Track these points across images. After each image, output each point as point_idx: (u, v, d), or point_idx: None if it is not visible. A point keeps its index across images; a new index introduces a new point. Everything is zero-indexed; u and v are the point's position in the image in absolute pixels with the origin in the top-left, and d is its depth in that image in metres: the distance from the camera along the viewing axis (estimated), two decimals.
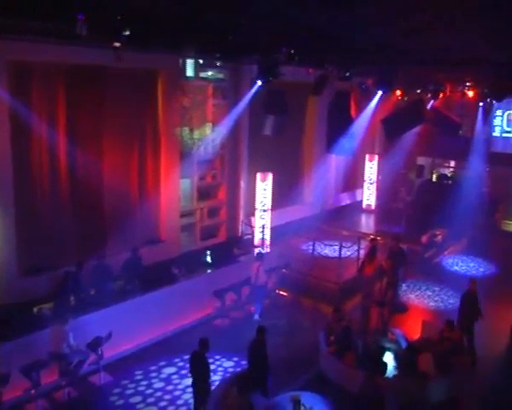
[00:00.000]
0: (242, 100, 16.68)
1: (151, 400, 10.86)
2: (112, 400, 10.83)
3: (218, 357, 12.45)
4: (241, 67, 15.62)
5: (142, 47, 10.51)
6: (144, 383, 11.42)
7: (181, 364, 12.13)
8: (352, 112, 15.69)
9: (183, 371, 11.76)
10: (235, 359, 12.38)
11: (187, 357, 12.08)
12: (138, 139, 15.01)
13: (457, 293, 16.91)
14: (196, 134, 16.86)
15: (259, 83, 12.29)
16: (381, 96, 19.30)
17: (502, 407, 10.71)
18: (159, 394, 11.07)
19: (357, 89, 18.58)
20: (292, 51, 9.88)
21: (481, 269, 19.83)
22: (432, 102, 19.73)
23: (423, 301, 16.69)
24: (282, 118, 15.99)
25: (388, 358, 11.39)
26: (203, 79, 16.96)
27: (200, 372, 9.59)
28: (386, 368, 10.71)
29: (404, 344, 11.95)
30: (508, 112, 24.05)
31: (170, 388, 11.31)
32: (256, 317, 14.53)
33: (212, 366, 11.82)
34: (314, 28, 8.64)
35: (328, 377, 11.32)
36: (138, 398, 10.89)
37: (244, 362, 11.81)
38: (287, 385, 10.70)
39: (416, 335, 13.25)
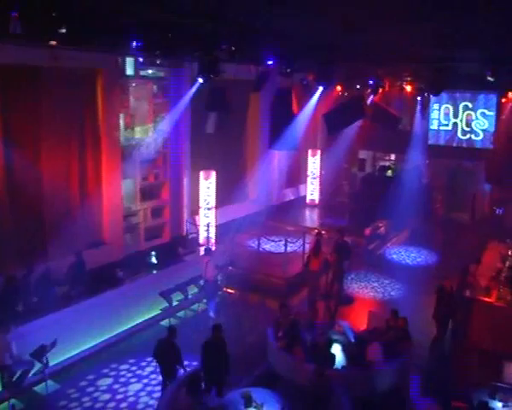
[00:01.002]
0: (184, 98, 16.52)
1: (100, 405, 10.64)
2: (60, 407, 10.54)
3: None
4: (181, 64, 15.46)
5: (80, 45, 10.24)
6: (91, 389, 11.15)
7: (130, 367, 11.96)
8: (294, 108, 15.76)
9: (130, 375, 11.62)
10: (185, 362, 12.22)
11: (132, 361, 12.12)
12: (78, 140, 14.62)
13: (401, 283, 17.42)
14: (138, 134, 16.61)
15: (201, 81, 12.17)
16: (322, 91, 19.56)
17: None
18: (107, 396, 10.87)
19: (299, 85, 18.70)
20: (232, 48, 9.86)
21: (423, 258, 20.35)
22: (371, 97, 20.08)
23: (368, 292, 17.00)
24: (225, 115, 15.96)
25: (336, 350, 11.50)
26: (143, 77, 16.71)
27: (169, 359, 10.05)
28: (334, 360, 10.86)
29: (351, 336, 12.09)
30: (444, 105, 24.74)
31: (121, 390, 11.14)
32: (211, 314, 14.46)
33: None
34: (254, 25, 8.64)
35: (277, 372, 11.34)
36: (89, 403, 10.64)
37: (194, 363, 11.81)
38: (237, 383, 10.67)
39: (362, 325, 13.48)
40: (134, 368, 11.98)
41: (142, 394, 11.07)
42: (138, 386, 11.29)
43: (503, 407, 9.37)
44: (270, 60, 12.29)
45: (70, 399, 10.81)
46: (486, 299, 13.49)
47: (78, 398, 10.84)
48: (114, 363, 12.10)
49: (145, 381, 11.56)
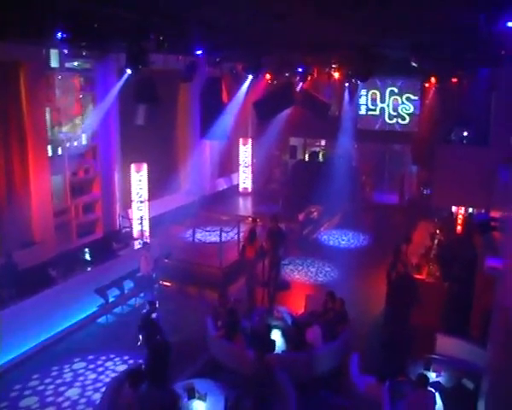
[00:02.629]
0: (112, 90, 16.15)
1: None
2: None
3: (110, 356, 12.10)
4: (108, 56, 15.07)
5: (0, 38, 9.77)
6: (29, 392, 10.79)
7: (71, 366, 11.67)
8: (224, 97, 15.74)
9: (70, 377, 11.33)
10: (126, 357, 12.07)
11: (73, 361, 11.83)
12: (2, 137, 14.04)
13: (335, 266, 17.82)
14: (65, 128, 16.13)
15: (129, 72, 11.93)
16: (252, 80, 19.61)
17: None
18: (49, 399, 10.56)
19: (228, 74, 18.68)
20: (161, 38, 9.72)
21: (355, 241, 20.88)
22: (301, 84, 20.31)
23: (305, 276, 17.27)
24: (154, 106, 15.72)
25: (276, 335, 11.67)
26: (69, 69, 16.19)
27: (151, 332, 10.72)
28: (274, 345, 10.98)
29: (289, 320, 12.28)
30: (371, 91, 25.42)
31: (61, 389, 10.84)
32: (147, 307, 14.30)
33: (100, 368, 11.61)
34: (182, 15, 8.55)
35: (219, 361, 11.39)
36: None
37: (134, 359, 11.68)
38: (179, 374, 10.64)
39: (300, 310, 13.72)
40: (75, 366, 11.69)
41: (83, 397, 10.80)
42: (77, 390, 10.97)
43: (437, 377, 9.78)
44: (199, 50, 12.20)
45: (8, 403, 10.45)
46: (418, 276, 14.01)
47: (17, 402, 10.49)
48: (54, 365, 11.72)
49: (81, 378, 11.28)
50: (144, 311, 11.87)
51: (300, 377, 10.37)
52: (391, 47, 12.37)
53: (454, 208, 18.29)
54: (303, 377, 10.54)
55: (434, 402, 8.91)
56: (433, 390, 9.12)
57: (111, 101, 16.24)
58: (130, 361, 11.85)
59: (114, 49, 12.68)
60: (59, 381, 11.17)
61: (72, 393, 10.75)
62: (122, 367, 11.57)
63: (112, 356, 12.11)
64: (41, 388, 10.91)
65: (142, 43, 9.76)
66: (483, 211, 12.18)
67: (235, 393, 9.25)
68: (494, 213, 10.35)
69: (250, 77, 17.96)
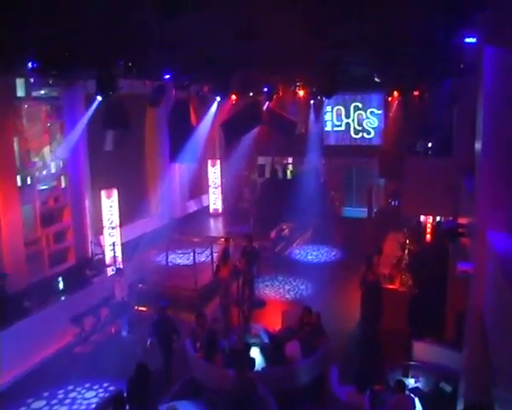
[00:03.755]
0: (80, 117, 16.13)
1: None
2: None
3: (87, 386, 11.96)
4: (75, 83, 15.06)
5: None
6: None
7: (48, 401, 11.47)
8: (193, 120, 15.87)
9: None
10: (106, 384, 11.95)
11: (48, 394, 11.63)
12: None
13: (309, 281, 17.97)
14: (34, 157, 16.01)
15: (99, 98, 11.98)
16: (219, 101, 19.80)
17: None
18: None
19: (195, 97, 18.84)
20: (129, 64, 9.82)
21: (327, 255, 21.10)
22: (267, 103, 20.56)
23: (279, 293, 17.38)
24: (123, 131, 15.76)
25: (255, 353, 11.72)
26: (36, 98, 16.11)
27: (165, 334, 11.76)
28: (254, 363, 11.07)
29: (266, 337, 12.35)
30: (336, 107, 25.89)
31: None
32: (124, 333, 14.21)
33: (79, 399, 11.46)
34: (150, 40, 8.67)
35: (200, 382, 11.37)
36: None
37: (114, 386, 11.58)
38: (160, 397, 10.58)
39: (277, 326, 13.81)
40: (53, 399, 11.51)
41: None
42: None
43: (415, 382, 9.98)
44: (167, 74, 12.33)
45: None
46: (391, 286, 14.27)
47: None
48: (29, 398, 11.51)
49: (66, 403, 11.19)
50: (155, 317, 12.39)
51: (281, 391, 10.41)
52: (354, 63, 12.69)
53: (422, 218, 18.69)
54: (284, 391, 10.58)
55: (414, 407, 9.10)
56: (412, 396, 9.33)
57: (80, 128, 16.18)
58: (111, 388, 11.72)
59: (83, 77, 12.73)
60: None
61: None
62: (103, 395, 11.45)
63: (89, 385, 11.96)
64: None
65: (112, 70, 9.85)
66: (451, 218, 12.51)
67: None
68: (461, 220, 10.67)
69: (218, 98, 18.11)
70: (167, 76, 12.45)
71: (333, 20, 7.67)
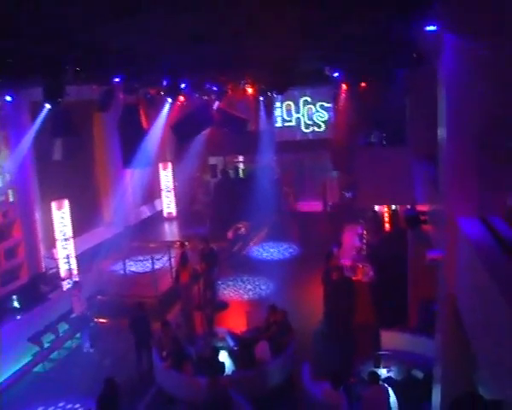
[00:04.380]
0: (25, 127, 15.51)
1: None
2: None
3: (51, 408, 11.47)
4: (17, 92, 14.43)
5: None
6: None
7: None
8: (144, 123, 15.52)
9: None
10: (71, 404, 11.49)
11: None
12: None
13: (269, 279, 17.88)
14: None
15: (48, 106, 11.48)
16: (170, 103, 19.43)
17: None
18: None
19: (144, 100, 18.42)
20: (77, 69, 9.45)
21: (285, 252, 21.07)
22: (217, 103, 20.34)
23: (241, 293, 17.22)
24: (71, 139, 15.27)
25: (223, 357, 11.54)
26: None
27: (143, 331, 12.12)
28: (224, 367, 10.87)
29: (232, 340, 12.19)
30: (286, 103, 25.90)
31: None
32: (86, 347, 13.79)
33: None
34: (98, 43, 8.36)
35: (168, 391, 11.13)
36: None
37: (81, 404, 11.18)
38: None
39: (241, 328, 13.67)
40: None
41: None
42: None
43: (388, 372, 10.02)
44: (117, 77, 11.97)
45: None
46: (353, 278, 14.30)
47: None
48: None
49: None
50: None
51: (253, 394, 10.28)
52: (305, 59, 12.63)
53: (377, 208, 18.85)
54: (256, 393, 10.44)
55: (388, 397, 9.13)
56: (386, 385, 9.35)
57: (27, 139, 15.54)
58: (77, 406, 11.30)
59: (28, 84, 12.19)
60: None
61: None
62: None
63: (54, 408, 11.46)
64: None
65: (59, 76, 9.45)
66: (408, 207, 12.61)
67: None
68: (421, 208, 10.74)
69: (169, 100, 17.73)
70: (117, 79, 12.08)
71: (281, 16, 7.54)
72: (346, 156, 22.67)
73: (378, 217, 18.15)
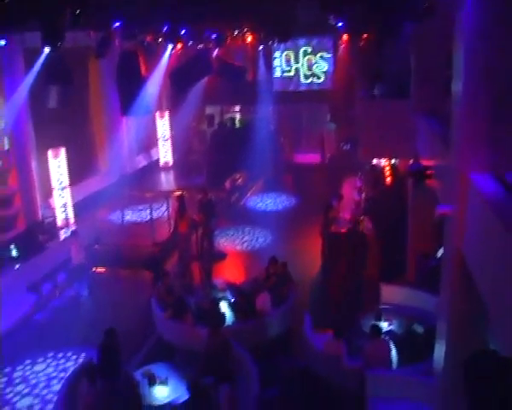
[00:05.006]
0: (19, 74, 15.15)
1: None
2: None
3: (50, 355, 11.48)
4: (10, 37, 14.01)
5: None
6: None
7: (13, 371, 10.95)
8: (143, 70, 15.17)
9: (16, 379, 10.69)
10: (69, 353, 11.52)
11: (12, 366, 11.12)
12: None
13: (267, 230, 17.84)
14: None
15: (47, 50, 11.15)
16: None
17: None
18: None
19: (141, 47, 17.99)
20: (77, 12, 9.12)
21: (283, 203, 20.98)
22: (216, 51, 19.91)
23: (238, 244, 17.17)
24: (67, 86, 14.94)
25: (223, 307, 11.55)
26: None
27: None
28: (224, 318, 10.87)
29: (233, 291, 12.19)
30: (285, 52, 25.32)
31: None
32: (84, 296, 13.82)
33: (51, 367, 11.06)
34: None
35: (169, 342, 11.17)
36: None
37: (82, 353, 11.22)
38: (131, 361, 10.36)
39: (240, 278, 13.71)
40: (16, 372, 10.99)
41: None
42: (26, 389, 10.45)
43: (389, 326, 10.07)
44: (117, 22, 11.61)
45: None
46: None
47: None
48: None
49: (34, 381, 10.67)
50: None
51: (254, 344, 10.29)
52: (308, 7, 12.28)
53: (375, 161, 18.68)
54: (256, 344, 10.47)
55: (390, 350, 9.21)
56: (387, 339, 9.42)
57: (23, 86, 15.18)
58: (78, 357, 11.33)
59: (26, 29, 11.78)
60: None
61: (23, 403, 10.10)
62: (69, 364, 11.05)
63: (54, 355, 11.48)
64: None
65: (59, 19, 9.13)
66: (411, 161, 12.48)
67: (195, 373, 9.08)
68: (426, 162, 10.61)
69: (170, 47, 17.27)
70: (117, 24, 11.72)
71: None
72: (345, 108, 22.45)
73: (377, 171, 18.01)
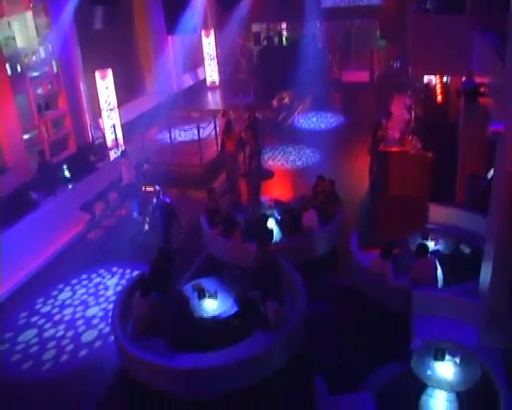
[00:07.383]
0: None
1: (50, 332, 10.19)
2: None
3: (102, 271, 12.02)
4: None
5: None
6: (35, 318, 10.57)
7: (73, 287, 11.48)
8: None
9: (71, 294, 11.25)
10: (119, 269, 11.97)
11: (73, 280, 11.68)
12: None
13: (314, 149, 17.76)
14: (21, 43, 15.12)
15: None
16: None
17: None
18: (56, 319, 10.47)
19: None
20: None
21: (331, 122, 20.71)
22: None
23: (286, 163, 17.16)
24: (111, 6, 14.86)
25: (271, 224, 11.69)
26: None
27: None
28: (272, 234, 11.06)
29: (281, 208, 12.27)
30: None
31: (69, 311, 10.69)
32: (135, 215, 14.20)
33: (107, 281, 11.54)
34: None
35: (218, 257, 11.47)
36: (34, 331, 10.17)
37: (132, 269, 11.67)
38: (181, 276, 10.72)
39: (288, 196, 13.79)
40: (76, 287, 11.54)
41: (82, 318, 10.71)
42: (87, 297, 11.01)
43: (435, 245, 10.06)
44: None
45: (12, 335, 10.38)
46: (401, 149, 14.05)
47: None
48: (45, 293, 11.32)
49: (92, 290, 11.28)
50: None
51: (301, 261, 10.43)
52: None
53: (426, 79, 18.09)
54: (303, 261, 10.62)
55: (436, 269, 9.24)
56: (434, 258, 9.44)
57: (67, 8, 15.16)
58: (127, 272, 11.78)
59: None
60: (59, 302, 10.99)
61: (90, 312, 10.62)
62: (122, 280, 11.52)
63: (104, 271, 11.97)
64: (45, 310, 10.81)
65: None
66: (464, 78, 12.06)
67: (243, 287, 9.36)
68: (479, 79, 10.25)
69: None
70: None
71: None
72: (395, 25, 21.62)
73: (428, 89, 17.48)
